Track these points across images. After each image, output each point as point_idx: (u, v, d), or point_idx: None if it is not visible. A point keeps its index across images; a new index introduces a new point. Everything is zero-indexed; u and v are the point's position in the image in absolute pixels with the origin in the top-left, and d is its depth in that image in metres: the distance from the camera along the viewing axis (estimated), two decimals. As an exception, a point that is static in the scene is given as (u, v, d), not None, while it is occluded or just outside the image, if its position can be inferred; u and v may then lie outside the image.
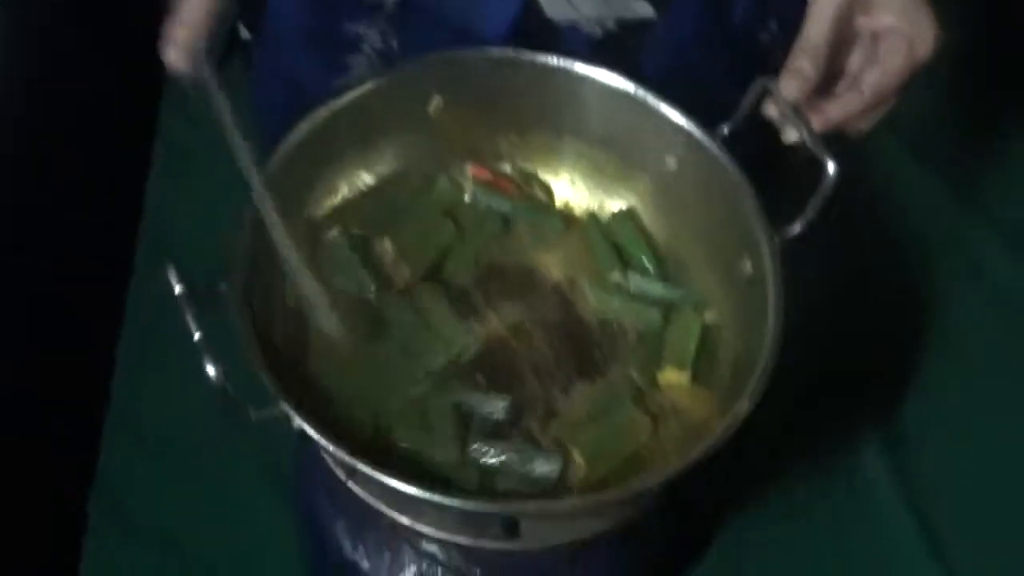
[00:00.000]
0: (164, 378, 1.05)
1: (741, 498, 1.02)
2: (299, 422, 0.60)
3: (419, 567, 0.78)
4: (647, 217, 0.78)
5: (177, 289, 0.59)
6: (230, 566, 1.02)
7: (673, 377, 0.72)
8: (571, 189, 0.80)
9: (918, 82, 0.72)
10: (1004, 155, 1.27)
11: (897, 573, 1.06)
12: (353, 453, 0.59)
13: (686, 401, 0.72)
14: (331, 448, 0.59)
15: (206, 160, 1.21)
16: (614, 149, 0.77)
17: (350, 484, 0.69)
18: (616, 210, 0.79)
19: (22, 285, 1.01)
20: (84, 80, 1.18)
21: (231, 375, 0.58)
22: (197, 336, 0.58)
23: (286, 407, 0.60)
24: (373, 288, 0.73)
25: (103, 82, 1.21)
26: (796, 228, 0.69)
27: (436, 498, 0.58)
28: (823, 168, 0.67)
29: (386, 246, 0.75)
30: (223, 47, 0.70)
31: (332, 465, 0.69)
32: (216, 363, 0.58)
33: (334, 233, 0.75)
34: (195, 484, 1.05)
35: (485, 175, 0.78)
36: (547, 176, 0.80)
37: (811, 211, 0.68)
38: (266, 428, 1.01)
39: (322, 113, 0.73)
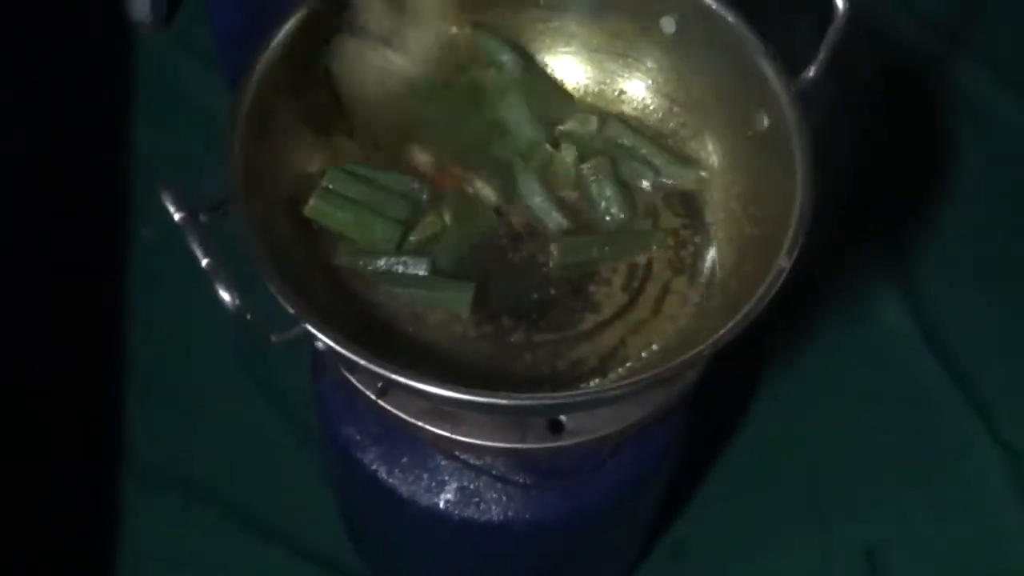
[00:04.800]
0: (173, 328, 1.07)
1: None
2: (325, 340, 0.56)
3: (460, 482, 0.75)
4: (654, 85, 0.75)
5: (176, 216, 0.55)
6: (257, 505, 1.01)
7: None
8: (571, 69, 0.76)
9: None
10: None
11: (917, 395, 1.10)
12: (391, 366, 0.56)
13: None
14: (363, 363, 0.56)
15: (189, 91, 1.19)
16: (607, 21, 0.73)
17: (381, 403, 0.65)
18: (619, 87, 0.76)
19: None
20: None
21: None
22: (205, 262, 0.54)
23: (309, 326, 0.56)
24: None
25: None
26: (811, 73, 0.66)
27: (492, 400, 0.56)
28: (833, 6, 0.64)
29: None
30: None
31: (361, 386, 0.65)
32: (230, 289, 0.54)
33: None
34: (213, 429, 1.04)
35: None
36: (546, 57, 0.76)
37: (824, 53, 0.65)
38: (276, 367, 1.02)
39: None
